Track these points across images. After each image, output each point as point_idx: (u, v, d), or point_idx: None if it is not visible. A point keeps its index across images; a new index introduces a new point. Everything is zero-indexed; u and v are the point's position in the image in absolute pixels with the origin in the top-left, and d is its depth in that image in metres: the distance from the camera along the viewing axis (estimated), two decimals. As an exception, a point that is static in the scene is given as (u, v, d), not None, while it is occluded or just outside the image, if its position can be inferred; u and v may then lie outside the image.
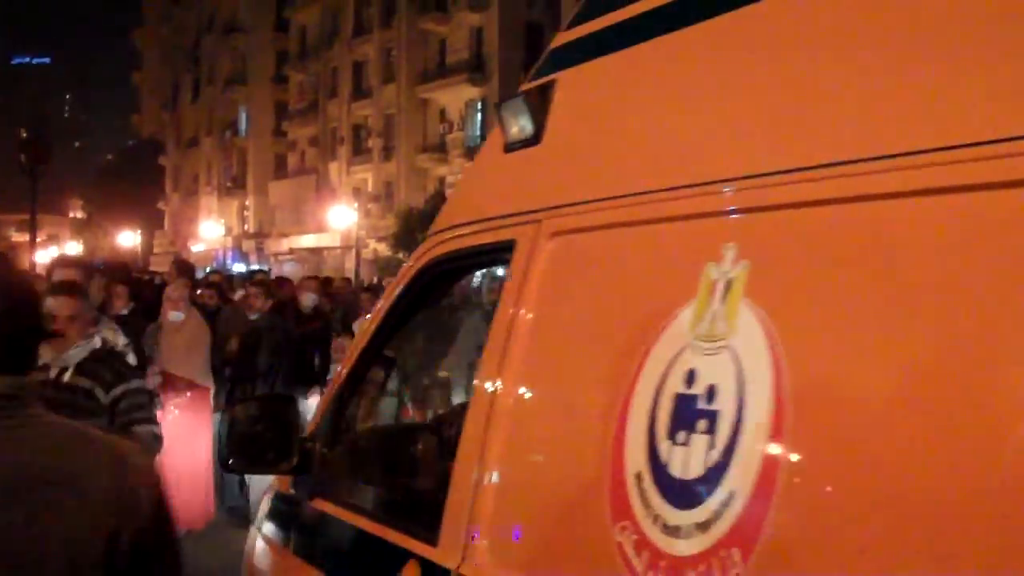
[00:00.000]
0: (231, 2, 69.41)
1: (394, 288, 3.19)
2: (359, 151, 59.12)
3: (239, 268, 53.31)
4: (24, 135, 30.35)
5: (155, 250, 79.16)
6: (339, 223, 52.19)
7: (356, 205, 49.53)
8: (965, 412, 1.44)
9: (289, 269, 50.99)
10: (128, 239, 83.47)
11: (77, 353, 4.90)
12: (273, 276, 18.46)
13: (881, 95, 1.70)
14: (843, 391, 1.64)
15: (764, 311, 1.76)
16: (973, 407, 1.43)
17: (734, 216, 1.90)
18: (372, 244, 51.68)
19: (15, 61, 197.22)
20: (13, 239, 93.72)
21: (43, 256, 71.59)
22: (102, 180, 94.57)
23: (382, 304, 3.24)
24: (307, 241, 61.17)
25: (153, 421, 5.14)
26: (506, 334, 2.41)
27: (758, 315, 1.77)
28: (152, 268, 43.21)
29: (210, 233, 71.92)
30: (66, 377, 4.86)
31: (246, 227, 70.93)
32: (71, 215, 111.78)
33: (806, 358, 1.70)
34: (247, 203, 70.99)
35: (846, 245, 1.70)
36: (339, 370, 3.35)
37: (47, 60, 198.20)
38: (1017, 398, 1.38)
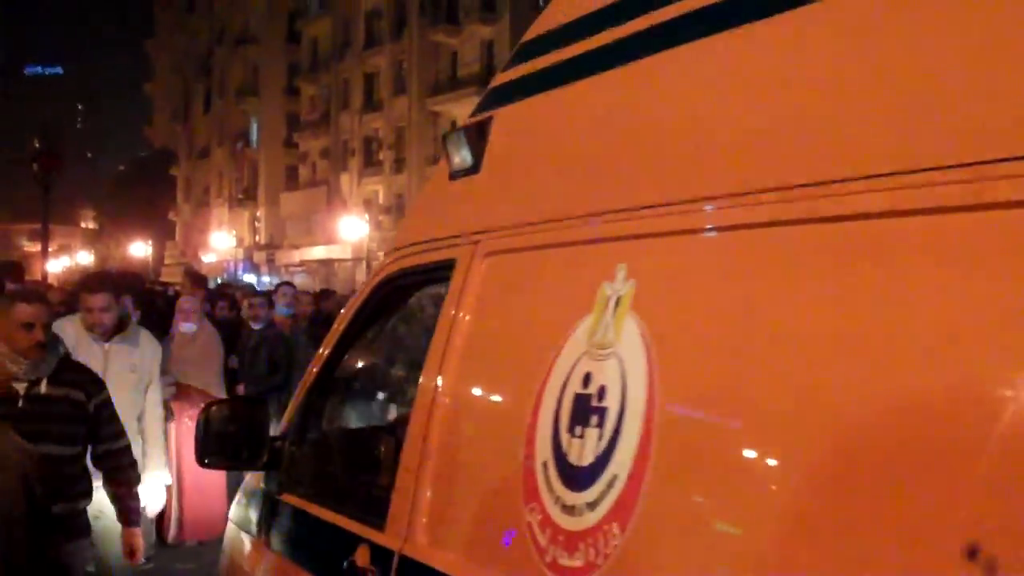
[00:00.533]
0: (243, 14, 70.07)
1: (355, 301, 3.56)
2: (370, 163, 59.61)
3: (249, 279, 53.75)
4: (36, 145, 30.73)
5: (166, 261, 79.77)
6: (350, 235, 52.64)
7: (367, 217, 49.98)
8: (807, 410, 1.76)
9: (300, 281, 51.43)
10: (139, 249, 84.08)
11: (49, 362, 4.81)
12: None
13: (754, 137, 2.03)
14: (705, 391, 1.97)
15: (645, 323, 2.10)
16: (813, 405, 1.76)
17: (625, 241, 2.24)
18: (383, 256, 52.04)
19: (28, 71, 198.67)
20: (25, 249, 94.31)
21: (55, 266, 72.06)
22: (114, 190, 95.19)
23: (344, 315, 3.60)
24: (318, 253, 61.64)
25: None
26: (444, 343, 2.76)
27: (640, 326, 2.10)
28: (163, 279, 43.68)
29: (221, 244, 72.47)
30: (42, 388, 4.77)
31: (257, 238, 71.48)
32: (83, 225, 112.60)
33: (675, 363, 2.03)
34: (258, 214, 71.53)
35: (711, 266, 2.03)
36: (306, 375, 3.70)
37: (59, 70, 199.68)
38: (857, 399, 1.70)
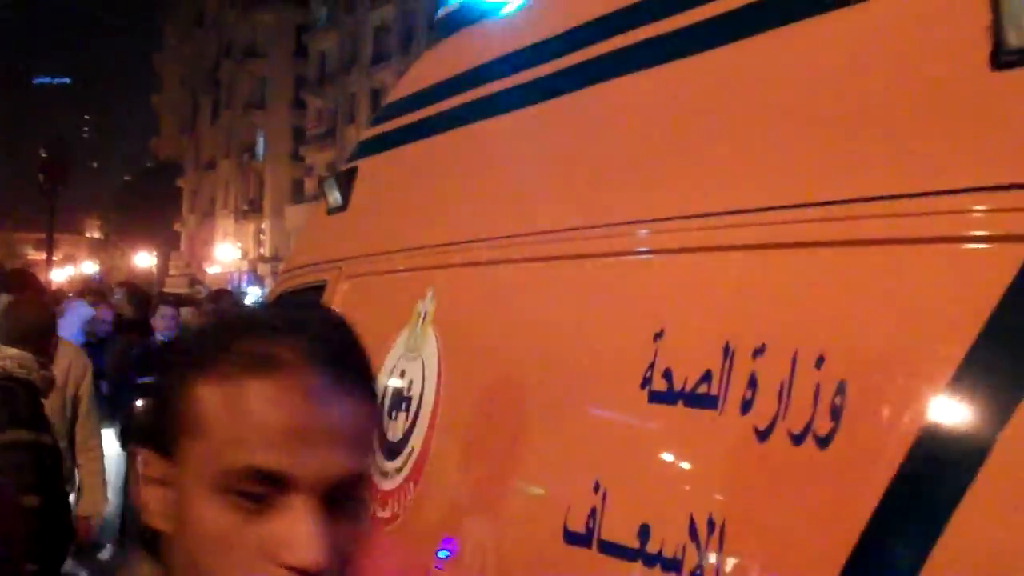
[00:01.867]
0: (251, 27, 71.02)
1: None
2: (374, 177, 60.32)
3: (254, 291, 54.52)
4: (43, 155, 31.46)
5: (171, 272, 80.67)
6: (352, 249, 53.33)
7: (369, 231, 50.63)
8: (542, 400, 2.43)
9: (301, 294, 52.01)
10: (144, 260, 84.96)
11: None
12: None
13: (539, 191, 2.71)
14: (479, 385, 2.65)
15: (440, 332, 2.79)
16: (546, 396, 2.43)
17: (433, 270, 2.94)
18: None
19: (36, 81, 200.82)
20: (30, 257, 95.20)
21: (59, 275, 72.79)
22: (120, 201, 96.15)
23: None
24: (321, 266, 62.33)
25: None
26: None
27: (436, 335, 2.79)
28: (166, 289, 44.52)
29: (226, 256, 73.32)
30: None
31: (262, 251, 72.32)
32: (88, 235, 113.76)
33: (461, 365, 2.71)
34: (263, 227, 72.40)
35: (487, 290, 2.72)
36: None
37: (68, 81, 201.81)
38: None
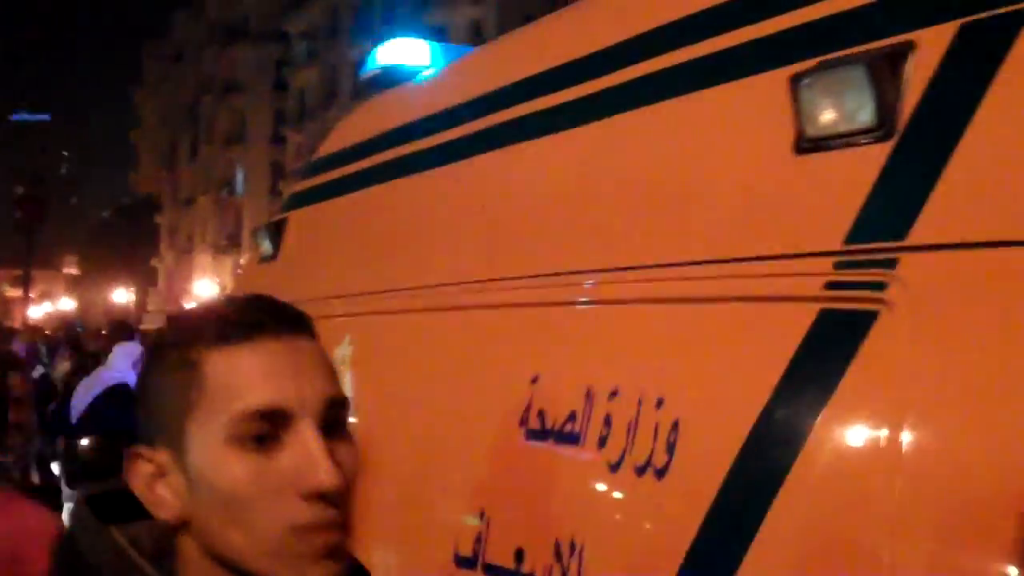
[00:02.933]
0: (230, 62, 71.44)
1: None
2: (353, 213, 60.65)
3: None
4: (20, 192, 31.59)
5: (148, 308, 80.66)
6: (330, 285, 53.62)
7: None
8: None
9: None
10: (122, 296, 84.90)
11: None
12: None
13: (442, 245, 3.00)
14: (383, 430, 2.93)
15: (355, 376, 3.07)
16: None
17: (349, 318, 3.23)
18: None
19: (14, 117, 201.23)
20: (7, 294, 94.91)
21: (37, 312, 72.51)
22: (97, 237, 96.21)
23: None
24: (300, 302, 62.49)
25: None
26: None
27: (353, 377, 3.07)
28: (143, 326, 44.60)
29: (204, 291, 73.42)
30: None
31: (240, 287, 72.46)
32: (65, 271, 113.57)
33: (371, 406, 2.99)
34: (242, 262, 72.56)
35: (392, 339, 3.00)
36: None
37: (46, 117, 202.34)
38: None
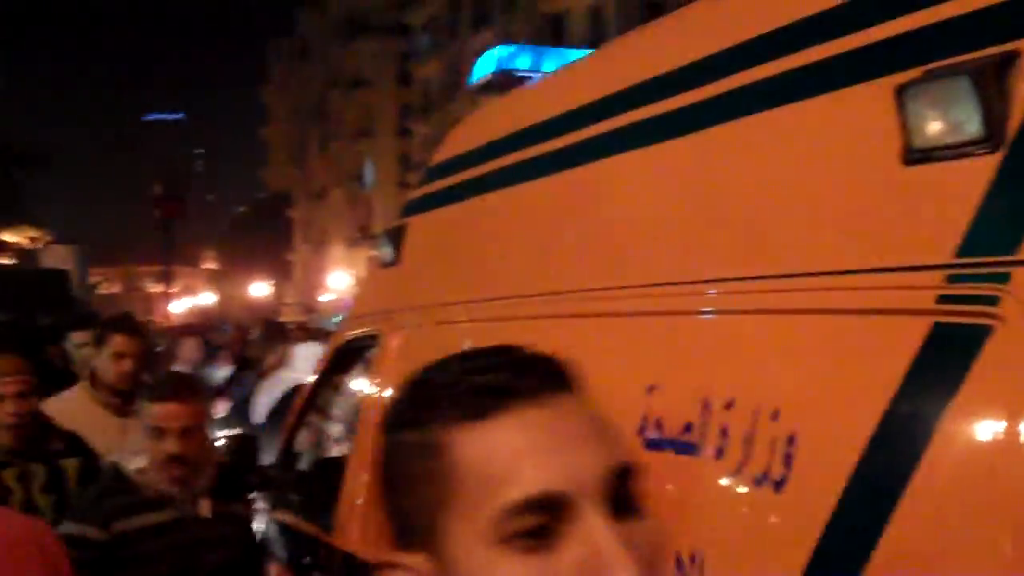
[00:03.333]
0: (355, 57, 72.48)
1: (323, 360, 4.66)
2: (480, 201, 60.99)
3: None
4: (158, 191, 32.68)
5: (286, 300, 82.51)
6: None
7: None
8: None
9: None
10: (260, 290, 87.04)
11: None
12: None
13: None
14: None
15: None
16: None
17: (468, 325, 3.29)
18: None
19: (149, 118, 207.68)
20: (149, 290, 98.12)
21: (178, 306, 74.72)
22: (234, 232, 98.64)
23: (317, 370, 4.71)
24: (431, 291, 63.14)
25: None
26: (374, 399, 3.83)
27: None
28: (282, 318, 45.78)
29: (338, 283, 74.73)
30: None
31: (372, 277, 73.43)
32: (204, 266, 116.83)
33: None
34: (373, 254, 73.58)
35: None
36: (288, 418, 4.81)
37: (180, 116, 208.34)
38: None
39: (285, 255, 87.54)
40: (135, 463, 3.37)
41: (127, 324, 4.76)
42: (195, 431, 3.39)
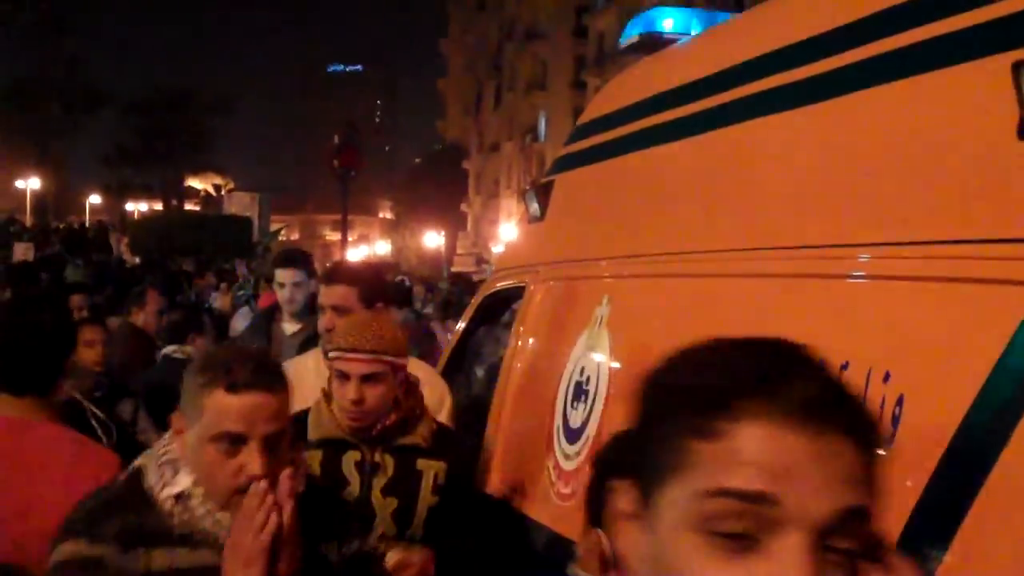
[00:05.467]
0: (531, 10, 72.61)
1: (468, 311, 4.85)
2: (653, 156, 60.65)
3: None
4: (337, 141, 33.51)
5: (458, 251, 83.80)
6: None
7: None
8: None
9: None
10: (433, 240, 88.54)
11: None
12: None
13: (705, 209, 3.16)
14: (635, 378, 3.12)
15: (613, 334, 3.27)
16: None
17: (608, 279, 3.42)
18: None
19: (330, 69, 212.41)
20: (327, 238, 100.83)
21: (354, 255, 76.44)
22: (409, 183, 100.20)
23: (462, 322, 4.90)
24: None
25: None
26: (515, 344, 4.00)
27: (610, 336, 3.28)
28: (455, 269, 46.59)
29: (510, 235, 75.49)
30: None
31: (543, 230, 73.91)
32: (381, 216, 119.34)
33: (626, 362, 3.19)
34: (542, 207, 74.02)
35: (655, 300, 3.18)
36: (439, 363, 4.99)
37: (359, 68, 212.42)
38: None
39: (459, 206, 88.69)
40: (178, 483, 2.32)
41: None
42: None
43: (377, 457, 3.22)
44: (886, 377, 2.24)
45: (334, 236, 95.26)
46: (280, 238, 50.45)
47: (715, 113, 3.21)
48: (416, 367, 3.58)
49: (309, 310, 5.17)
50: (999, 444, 1.92)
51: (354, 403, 3.11)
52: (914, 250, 2.26)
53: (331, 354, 3.21)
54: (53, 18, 57.99)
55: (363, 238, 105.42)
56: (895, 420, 2.19)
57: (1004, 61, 2.08)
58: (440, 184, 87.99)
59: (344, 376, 3.13)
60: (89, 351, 5.23)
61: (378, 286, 3.92)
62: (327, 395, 3.26)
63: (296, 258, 5.60)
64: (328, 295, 3.75)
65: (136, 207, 62.96)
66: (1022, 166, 2.04)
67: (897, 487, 2.16)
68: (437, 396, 3.75)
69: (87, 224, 40.59)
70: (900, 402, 2.19)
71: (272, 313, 5.73)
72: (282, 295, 5.40)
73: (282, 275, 5.41)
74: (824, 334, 2.49)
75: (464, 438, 3.68)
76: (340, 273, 3.89)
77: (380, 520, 3.17)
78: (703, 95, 3.29)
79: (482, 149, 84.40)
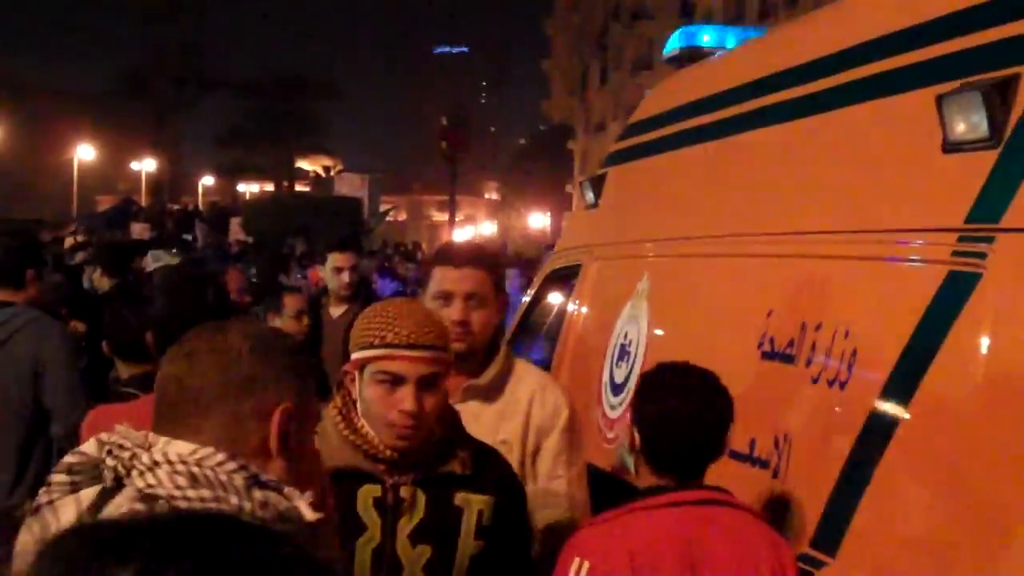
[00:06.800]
0: (638, -11, 72.69)
1: (532, 287, 5.57)
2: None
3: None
4: (444, 123, 34.32)
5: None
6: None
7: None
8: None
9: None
10: (538, 221, 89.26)
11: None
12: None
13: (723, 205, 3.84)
14: (671, 344, 3.81)
15: (651, 306, 3.97)
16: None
17: (649, 259, 4.12)
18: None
19: (437, 51, 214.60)
20: (434, 218, 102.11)
21: (460, 235, 77.41)
22: (515, 164, 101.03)
23: (526, 296, 5.59)
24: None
25: None
26: (572, 314, 4.72)
27: (649, 308, 3.97)
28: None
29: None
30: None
31: (647, 211, 74.19)
32: (486, 196, 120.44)
33: (662, 328, 3.88)
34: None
35: (688, 279, 3.87)
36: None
37: (465, 49, 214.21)
38: None
39: (564, 187, 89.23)
40: None
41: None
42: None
43: (403, 492, 2.55)
44: (846, 334, 2.91)
45: (441, 217, 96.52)
46: (388, 219, 51.35)
47: (740, 119, 3.89)
48: (526, 371, 3.27)
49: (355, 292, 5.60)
50: (917, 380, 2.59)
51: (411, 415, 2.47)
52: (868, 236, 2.94)
53: (366, 352, 2.53)
54: (168, 2, 59.90)
55: (469, 219, 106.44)
56: (850, 367, 2.86)
57: (932, 93, 2.72)
58: (546, 164, 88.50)
59: (394, 380, 2.48)
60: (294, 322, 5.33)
61: (502, 273, 3.48)
62: (343, 411, 2.60)
63: (351, 242, 5.87)
64: (461, 281, 3.12)
65: (248, 188, 64.79)
66: (945, 173, 2.69)
67: (847, 419, 2.83)
68: (550, 408, 3.21)
69: (200, 205, 42.11)
70: (855, 353, 2.85)
71: (319, 299, 5.98)
72: (339, 279, 5.66)
73: (340, 259, 5.68)
74: (802, 301, 3.17)
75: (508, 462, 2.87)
76: (473, 256, 3.26)
77: None
78: (731, 103, 3.96)
79: (588, 129, 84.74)
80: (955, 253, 2.60)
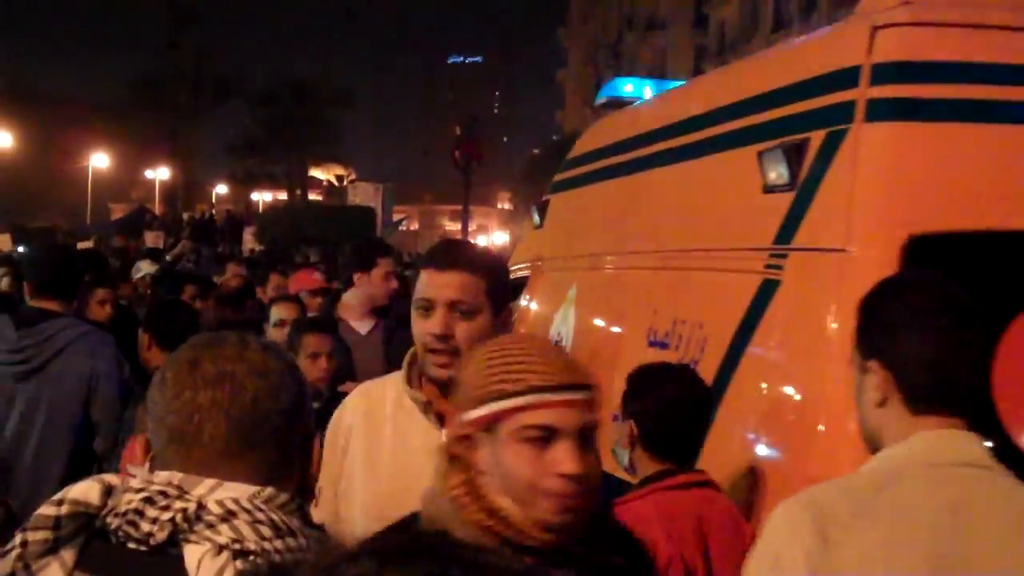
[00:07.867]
0: (651, 0, 73.47)
1: None
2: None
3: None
4: (458, 133, 35.00)
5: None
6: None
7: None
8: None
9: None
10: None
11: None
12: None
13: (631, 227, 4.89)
14: (591, 340, 4.85)
15: (577, 310, 5.02)
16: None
17: (575, 271, 5.18)
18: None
19: (451, 60, 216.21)
20: (446, 228, 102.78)
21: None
22: (528, 174, 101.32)
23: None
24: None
25: None
26: (523, 316, 5.79)
27: (575, 311, 5.03)
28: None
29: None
30: None
31: (660, 222, 74.86)
32: (499, 206, 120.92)
33: (583, 327, 4.93)
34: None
35: (605, 288, 4.92)
36: None
37: (479, 59, 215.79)
38: None
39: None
40: None
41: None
42: None
43: None
44: (700, 326, 3.95)
45: (453, 226, 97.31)
46: (401, 228, 51.93)
47: (637, 161, 4.96)
48: None
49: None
50: (737, 358, 3.63)
51: (575, 479, 1.92)
52: (713, 252, 4.00)
53: (499, 403, 1.93)
54: (181, 9, 60.77)
55: (482, 228, 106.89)
56: (701, 349, 3.90)
57: (756, 150, 3.77)
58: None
59: (546, 436, 1.91)
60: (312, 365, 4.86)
61: (507, 280, 3.05)
62: (470, 481, 1.96)
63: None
64: (443, 286, 2.65)
65: (260, 196, 65.64)
66: (763, 207, 3.73)
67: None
68: None
69: (214, 214, 43.00)
70: (705, 340, 3.90)
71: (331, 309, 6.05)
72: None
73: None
74: (674, 304, 4.22)
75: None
76: (460, 257, 2.75)
77: None
78: (634, 148, 5.03)
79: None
80: (766, 266, 3.63)
